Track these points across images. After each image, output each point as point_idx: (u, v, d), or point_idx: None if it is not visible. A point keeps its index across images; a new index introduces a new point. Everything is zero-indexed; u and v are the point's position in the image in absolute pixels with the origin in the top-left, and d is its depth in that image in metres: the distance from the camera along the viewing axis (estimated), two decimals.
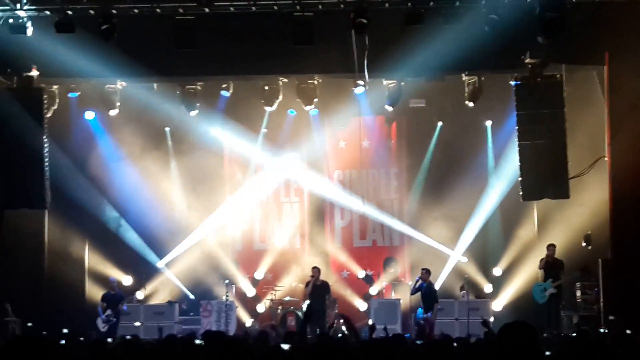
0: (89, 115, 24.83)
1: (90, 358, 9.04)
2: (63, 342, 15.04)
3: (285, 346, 9.83)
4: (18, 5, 20.14)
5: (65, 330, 20.20)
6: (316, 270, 23.26)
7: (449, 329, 21.38)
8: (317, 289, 23.01)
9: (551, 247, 22.76)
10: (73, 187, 24.10)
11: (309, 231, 26.47)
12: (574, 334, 15.89)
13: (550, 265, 22.61)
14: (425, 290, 22.55)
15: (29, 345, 5.99)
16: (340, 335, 19.08)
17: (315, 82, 23.04)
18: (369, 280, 25.80)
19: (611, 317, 20.23)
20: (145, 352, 9.75)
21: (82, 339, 16.88)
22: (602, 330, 19.69)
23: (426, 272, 22.76)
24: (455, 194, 24.77)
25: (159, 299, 25.25)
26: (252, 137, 26.03)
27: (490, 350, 10.08)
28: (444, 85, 23.93)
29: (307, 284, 23.25)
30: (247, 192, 26.39)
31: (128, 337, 15.65)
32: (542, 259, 22.74)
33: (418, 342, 15.86)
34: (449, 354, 9.59)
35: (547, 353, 8.85)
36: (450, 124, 25.39)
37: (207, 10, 20.05)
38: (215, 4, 19.96)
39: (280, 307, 24.36)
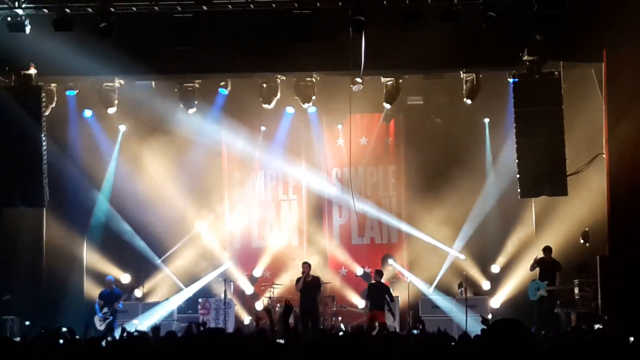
0: (87, 113, 24.82)
1: (85, 356, 9.05)
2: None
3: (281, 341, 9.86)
4: (16, 4, 20.16)
5: (64, 329, 20.19)
6: (306, 265, 23.14)
7: (448, 326, 21.41)
8: (308, 285, 22.91)
9: (547, 249, 22.87)
10: (71, 185, 24.10)
11: (307, 229, 26.49)
12: (569, 331, 15.92)
13: (548, 266, 22.67)
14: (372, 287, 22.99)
15: None
16: (341, 333, 19.10)
17: (313, 79, 23.03)
18: (367, 277, 25.79)
19: (605, 317, 20.28)
20: (145, 349, 9.76)
21: (78, 337, 16.86)
22: (597, 327, 19.70)
23: (376, 274, 23.22)
24: (453, 191, 24.78)
25: (157, 296, 25.27)
26: (250, 135, 26.05)
27: (489, 347, 10.10)
28: (441, 82, 23.98)
29: (297, 280, 23.17)
30: (246, 190, 26.40)
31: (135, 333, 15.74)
32: (534, 261, 22.82)
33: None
34: (447, 350, 9.60)
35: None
36: (448, 121, 25.38)
37: (205, 8, 20.05)
38: (213, 1, 19.96)
39: (278, 304, 24.36)
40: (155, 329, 17.21)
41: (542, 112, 21.53)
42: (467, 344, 11.02)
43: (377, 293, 22.74)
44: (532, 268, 22.86)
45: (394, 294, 24.56)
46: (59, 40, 20.28)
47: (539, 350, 6.77)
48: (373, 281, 23.19)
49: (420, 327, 15.26)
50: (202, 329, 17.08)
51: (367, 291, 23.32)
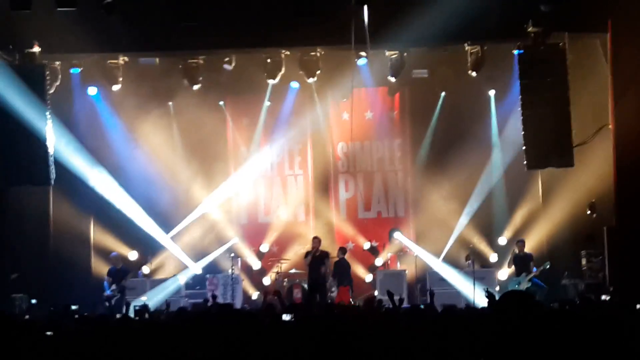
0: (92, 90, 24.77)
1: (95, 332, 9.08)
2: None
3: (288, 317, 9.88)
4: None
5: (73, 307, 20.29)
6: (316, 240, 23.27)
7: (455, 299, 21.47)
8: (316, 260, 23.03)
9: (520, 242, 23.34)
10: (77, 163, 24.08)
11: (314, 203, 26.49)
12: (577, 301, 15.96)
13: (521, 260, 22.87)
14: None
15: None
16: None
17: (318, 54, 22.97)
18: (374, 251, 25.82)
19: (611, 288, 20.31)
20: (156, 325, 9.80)
21: (86, 314, 16.92)
22: (605, 297, 19.73)
23: (340, 251, 24.11)
24: (459, 164, 24.73)
25: (165, 273, 25.31)
26: (255, 111, 26.04)
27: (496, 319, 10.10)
28: (446, 55, 23.96)
29: (306, 255, 23.32)
30: (252, 165, 26.39)
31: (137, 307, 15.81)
32: (511, 255, 23.26)
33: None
34: (456, 323, 9.61)
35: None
36: (453, 94, 25.33)
37: None
38: None
39: (286, 279, 24.44)
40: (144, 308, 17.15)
41: (547, 83, 21.46)
42: (474, 316, 11.02)
43: (343, 270, 23.37)
44: (510, 265, 23.21)
45: (401, 267, 24.71)
46: (63, 18, 20.24)
47: (547, 322, 6.77)
48: (337, 259, 23.80)
49: (430, 299, 15.28)
50: (213, 302, 17.19)
51: (334, 269, 23.82)
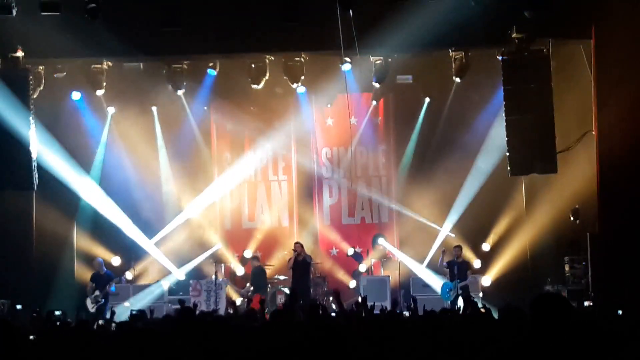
0: (76, 95, 24.69)
1: (75, 339, 9.05)
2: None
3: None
4: None
5: (57, 312, 20.23)
6: (298, 245, 23.29)
7: (438, 304, 21.47)
8: (299, 265, 23.04)
9: (457, 248, 23.26)
10: (60, 168, 23.99)
11: (298, 209, 26.48)
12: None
13: (458, 267, 22.85)
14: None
15: None
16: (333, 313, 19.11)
17: (302, 59, 22.97)
18: (358, 257, 25.79)
19: (591, 293, 20.39)
20: (140, 331, 9.76)
21: (69, 319, 16.87)
22: (587, 304, 19.78)
23: (254, 259, 24.79)
24: (443, 169, 24.78)
25: (148, 279, 25.25)
26: (239, 116, 26.00)
27: (475, 322, 10.11)
28: (430, 61, 23.96)
29: (289, 260, 23.36)
30: (235, 170, 26.36)
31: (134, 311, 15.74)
32: (444, 258, 23.33)
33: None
34: (439, 328, 9.62)
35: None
36: (437, 99, 25.36)
37: None
38: None
39: (269, 285, 24.40)
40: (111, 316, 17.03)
41: (531, 89, 21.53)
42: (459, 321, 11.03)
43: (260, 278, 23.92)
44: (444, 267, 23.26)
45: (385, 273, 24.73)
46: (47, 23, 20.20)
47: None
48: (254, 266, 24.29)
49: (413, 305, 15.29)
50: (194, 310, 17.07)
51: (251, 277, 24.44)
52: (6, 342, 7.05)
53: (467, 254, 24.71)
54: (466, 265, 23.12)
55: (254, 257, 24.91)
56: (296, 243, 23.46)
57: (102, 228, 25.05)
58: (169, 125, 25.72)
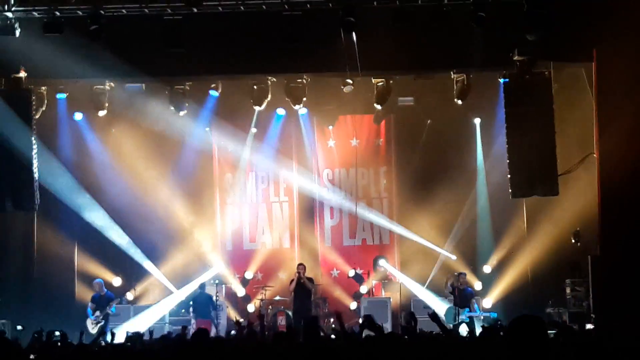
0: (78, 116, 24.78)
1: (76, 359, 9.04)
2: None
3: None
4: (6, 7, 20.10)
5: (57, 333, 20.15)
6: (301, 267, 23.34)
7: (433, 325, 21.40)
8: (301, 287, 23.06)
9: (462, 275, 23.26)
10: (62, 188, 24.01)
11: (299, 230, 26.46)
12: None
13: (460, 293, 22.86)
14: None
15: None
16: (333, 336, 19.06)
17: (304, 81, 23.01)
18: (359, 279, 25.77)
19: (593, 316, 20.34)
20: (138, 352, 9.76)
21: (69, 340, 16.82)
22: (589, 326, 19.72)
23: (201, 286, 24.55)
24: (444, 191, 24.79)
25: (149, 299, 25.22)
26: (241, 137, 26.02)
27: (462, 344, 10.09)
28: (432, 83, 23.96)
29: (291, 282, 23.38)
30: (237, 192, 26.37)
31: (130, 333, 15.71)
32: (449, 283, 23.35)
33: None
34: (436, 349, 9.61)
35: None
36: (438, 121, 25.38)
37: (195, 10, 20.03)
38: (204, 3, 19.92)
39: (270, 306, 24.37)
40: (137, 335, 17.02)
41: (532, 112, 21.52)
42: (458, 343, 11.02)
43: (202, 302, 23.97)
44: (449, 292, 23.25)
45: (386, 295, 24.66)
46: (49, 44, 20.25)
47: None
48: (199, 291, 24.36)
49: (413, 324, 15.22)
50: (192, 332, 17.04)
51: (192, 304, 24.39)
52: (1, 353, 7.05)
53: (468, 275, 24.64)
54: (470, 294, 23.13)
55: (201, 285, 24.77)
56: (299, 265, 23.49)
57: (103, 248, 25.05)
58: (171, 146, 25.72)
